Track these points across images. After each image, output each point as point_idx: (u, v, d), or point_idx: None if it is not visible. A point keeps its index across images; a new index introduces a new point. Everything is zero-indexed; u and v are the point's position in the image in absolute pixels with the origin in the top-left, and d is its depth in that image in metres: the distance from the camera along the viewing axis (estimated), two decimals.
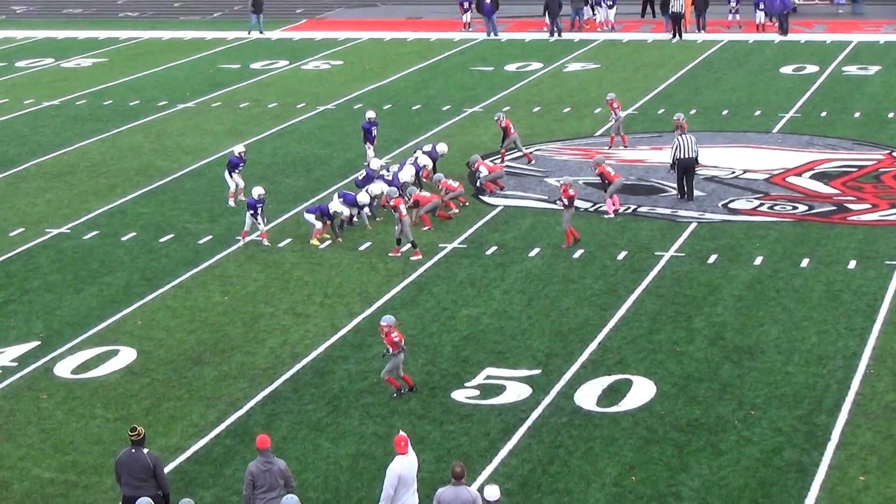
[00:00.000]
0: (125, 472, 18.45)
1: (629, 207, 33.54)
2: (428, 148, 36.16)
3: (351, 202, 32.20)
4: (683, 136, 33.77)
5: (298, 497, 17.24)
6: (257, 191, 31.43)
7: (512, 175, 36.76)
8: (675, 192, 34.42)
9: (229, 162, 35.00)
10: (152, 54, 57.95)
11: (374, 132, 37.41)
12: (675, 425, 22.03)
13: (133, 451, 18.51)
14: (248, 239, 31.66)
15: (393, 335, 22.98)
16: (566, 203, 30.69)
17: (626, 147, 39.03)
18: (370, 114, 37.76)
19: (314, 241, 31.51)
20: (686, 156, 33.57)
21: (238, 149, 35.23)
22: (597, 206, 33.69)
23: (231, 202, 34.85)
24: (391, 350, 23.05)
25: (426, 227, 32.33)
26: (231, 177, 34.83)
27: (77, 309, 28.39)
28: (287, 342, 26.14)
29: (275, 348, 25.87)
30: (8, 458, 21.84)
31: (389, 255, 30.58)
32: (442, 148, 36.23)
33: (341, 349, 25.69)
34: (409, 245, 30.56)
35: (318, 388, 24.06)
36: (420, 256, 30.27)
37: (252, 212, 31.29)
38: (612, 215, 32.68)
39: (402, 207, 30.28)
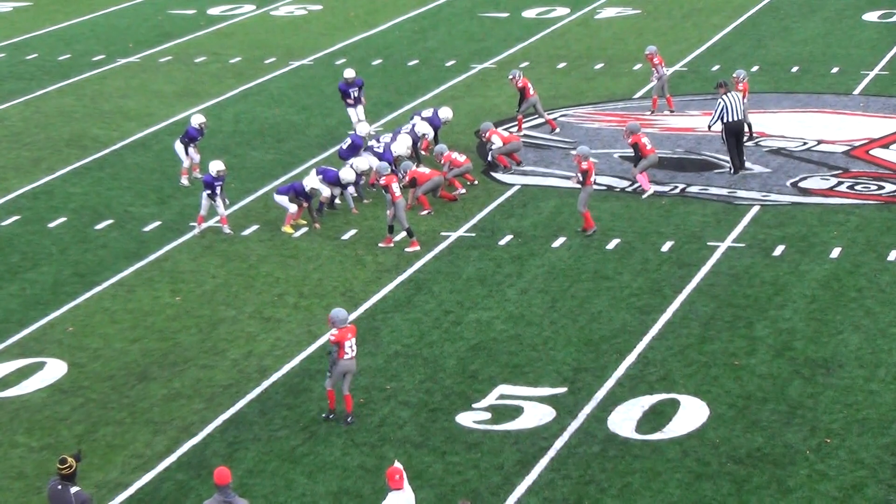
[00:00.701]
0: None
1: (676, 187, 33.60)
2: (428, 113, 36.24)
3: (332, 180, 32.26)
4: (729, 94, 34.23)
5: None
6: (216, 166, 31.48)
7: (531, 147, 36.83)
8: (730, 167, 34.51)
9: (186, 133, 35.10)
10: None
11: (356, 94, 37.38)
12: (732, 456, 22.10)
13: (59, 487, 18.55)
14: (204, 226, 31.74)
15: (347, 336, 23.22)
16: (581, 179, 30.79)
17: (672, 111, 39.09)
18: (348, 73, 37.76)
19: (287, 228, 31.57)
20: (736, 118, 33.98)
21: (198, 119, 35.31)
22: (635, 185, 33.75)
23: (184, 180, 34.95)
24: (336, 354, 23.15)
25: (425, 211, 32.39)
26: (186, 150, 34.93)
27: None
28: (253, 353, 26.21)
29: (238, 361, 25.94)
30: None
31: (380, 245, 30.64)
32: (445, 113, 36.31)
33: (320, 362, 25.76)
34: (403, 234, 30.61)
35: (291, 409, 24.12)
36: (417, 248, 30.34)
37: (209, 192, 31.34)
38: (650, 190, 32.82)
39: (395, 187, 30.31)
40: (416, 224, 31.60)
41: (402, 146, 33.98)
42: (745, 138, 35.27)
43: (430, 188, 32.71)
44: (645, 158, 33.20)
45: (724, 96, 34.21)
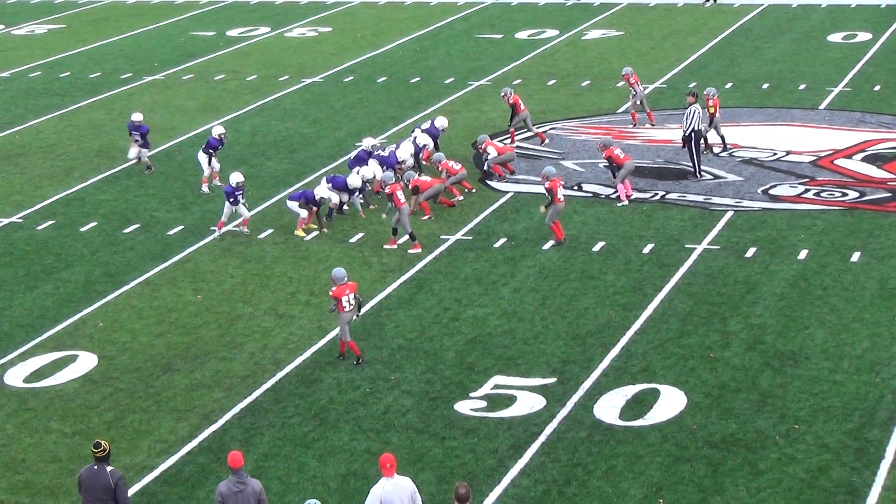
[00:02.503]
0: (86, 490, 18.54)
1: (656, 194, 33.55)
2: (426, 125, 36.19)
3: (340, 186, 32.22)
4: (694, 105, 34.49)
5: None
6: (235, 177, 31.44)
7: (523, 157, 36.78)
8: (710, 177, 34.46)
9: (207, 143, 35.07)
10: (115, 20, 57.97)
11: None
12: (708, 441, 22.05)
13: (95, 467, 18.58)
14: (224, 229, 31.69)
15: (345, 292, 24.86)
16: (549, 197, 30.27)
17: (652, 125, 39.06)
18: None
19: (299, 232, 31.52)
20: (700, 127, 34.38)
21: (217, 130, 35.28)
22: (616, 193, 33.68)
23: (205, 188, 34.90)
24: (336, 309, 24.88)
25: (426, 216, 32.35)
26: (209, 160, 34.90)
27: (30, 309, 28.42)
28: (268, 347, 26.16)
29: (254, 353, 25.89)
30: None
31: (385, 247, 30.60)
32: (441, 122, 36.25)
33: (330, 354, 25.72)
34: (406, 237, 30.57)
35: (303, 398, 24.08)
36: (419, 250, 30.29)
37: (231, 200, 31.34)
38: (626, 201, 32.76)
39: (400, 194, 30.31)
40: (418, 228, 31.57)
41: (405, 152, 33.97)
42: (720, 150, 35.39)
43: (431, 195, 32.67)
44: (622, 167, 33.15)
45: (695, 105, 34.31)
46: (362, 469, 21.54)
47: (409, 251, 30.30)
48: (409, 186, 32.23)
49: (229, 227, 31.80)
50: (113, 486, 18.45)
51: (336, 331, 26.38)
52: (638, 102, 39.02)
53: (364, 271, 29.47)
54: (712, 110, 35.59)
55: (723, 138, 36.04)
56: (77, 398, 24.40)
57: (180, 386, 24.68)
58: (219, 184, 34.45)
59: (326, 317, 27.22)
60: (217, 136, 35.10)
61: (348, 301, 24.93)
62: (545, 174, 30.30)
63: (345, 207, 32.59)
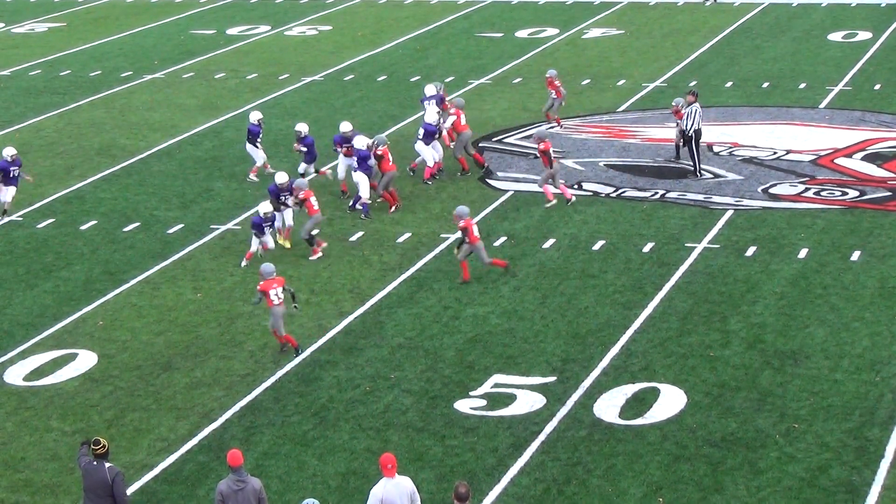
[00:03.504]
0: (86, 484, 18.61)
1: (656, 193, 33.55)
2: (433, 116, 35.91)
3: (273, 192, 31.14)
4: (694, 104, 34.44)
5: None
6: (263, 208, 30.09)
7: (523, 157, 36.78)
8: (710, 176, 34.48)
9: (248, 132, 35.17)
10: (115, 18, 57.97)
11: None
12: (708, 440, 22.06)
13: (94, 462, 18.62)
14: (252, 259, 30.29)
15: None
16: (463, 237, 28.83)
17: (559, 126, 39.11)
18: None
19: (283, 242, 31.12)
20: (699, 127, 34.32)
21: (255, 115, 35.48)
22: (619, 191, 33.73)
23: (253, 176, 34.87)
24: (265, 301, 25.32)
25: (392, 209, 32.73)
26: (256, 147, 35.03)
27: (30, 307, 28.43)
28: (268, 345, 26.17)
29: (254, 352, 25.90)
30: None
31: (310, 258, 30.18)
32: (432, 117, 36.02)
33: (330, 353, 25.73)
34: (331, 244, 30.49)
35: (303, 397, 24.09)
36: (319, 255, 30.07)
37: (256, 231, 29.96)
38: (553, 201, 32.69)
39: (314, 201, 30.12)
40: (417, 226, 31.62)
41: (431, 115, 34.78)
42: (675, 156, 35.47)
43: (387, 182, 32.79)
44: (548, 168, 32.85)
45: (695, 104, 34.30)
46: (362, 468, 21.55)
47: (310, 257, 30.06)
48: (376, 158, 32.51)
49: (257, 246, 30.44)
50: (110, 482, 18.48)
51: (335, 330, 26.43)
52: (553, 105, 38.79)
53: (364, 270, 29.48)
54: (677, 119, 35.26)
55: (677, 147, 35.66)
56: (77, 396, 24.41)
57: (180, 384, 24.69)
58: (272, 171, 34.45)
59: (326, 315, 27.24)
60: (256, 122, 35.25)
61: (276, 294, 25.32)
62: (458, 214, 28.45)
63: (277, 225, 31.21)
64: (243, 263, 30.00)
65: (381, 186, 32.84)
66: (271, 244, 30.33)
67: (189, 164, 37.01)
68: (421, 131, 34.91)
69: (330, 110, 41.99)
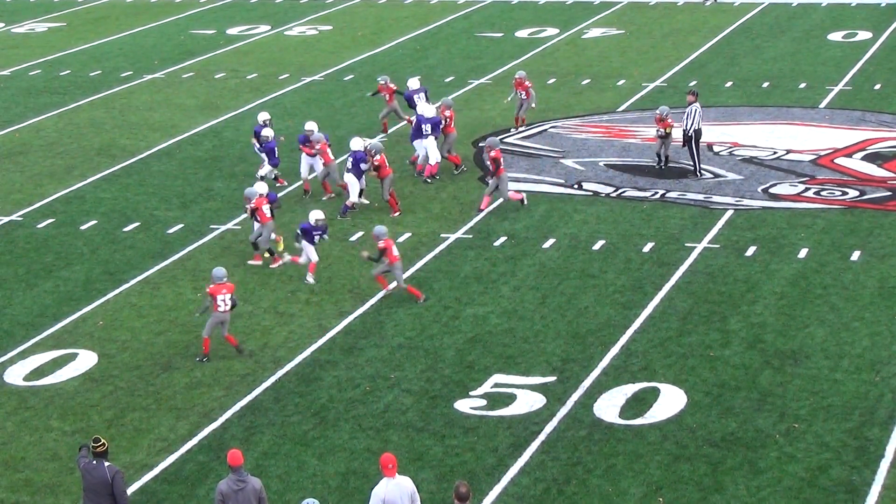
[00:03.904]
0: (86, 483, 18.61)
1: (656, 192, 33.55)
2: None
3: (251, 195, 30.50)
4: (694, 104, 34.41)
5: None
6: (314, 215, 29.28)
7: (524, 157, 36.78)
8: (710, 176, 34.50)
9: (254, 133, 35.23)
10: (115, 18, 57.96)
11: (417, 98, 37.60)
12: (708, 440, 22.06)
13: (94, 462, 18.62)
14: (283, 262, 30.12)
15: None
16: (378, 256, 28.35)
17: (517, 129, 38.84)
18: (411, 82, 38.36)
19: (279, 248, 30.64)
20: (699, 126, 34.29)
21: (262, 116, 35.54)
22: (619, 191, 33.74)
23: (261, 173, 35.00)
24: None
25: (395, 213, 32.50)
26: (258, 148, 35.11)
27: (30, 307, 28.43)
28: (268, 345, 26.17)
29: (255, 352, 25.90)
30: None
31: (271, 266, 29.86)
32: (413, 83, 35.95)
33: (330, 353, 25.73)
34: (280, 253, 30.19)
35: (303, 397, 24.09)
36: (259, 262, 29.70)
37: (307, 239, 29.13)
38: (484, 210, 32.46)
39: (266, 209, 29.68)
40: (417, 226, 31.62)
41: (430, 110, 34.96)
42: (662, 163, 35.31)
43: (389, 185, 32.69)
44: (497, 178, 32.27)
45: (696, 104, 34.32)
46: (362, 467, 21.55)
47: (271, 265, 29.75)
48: (374, 164, 32.38)
49: (286, 259, 29.92)
50: (110, 480, 18.49)
51: (335, 330, 26.45)
52: (522, 106, 38.66)
53: (364, 270, 29.47)
54: (665, 130, 34.93)
55: (666, 158, 35.32)
56: (77, 396, 24.41)
57: (180, 384, 24.69)
58: (276, 172, 34.50)
59: (326, 315, 27.25)
60: (262, 122, 35.21)
61: (223, 300, 25.33)
62: (376, 234, 27.84)
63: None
64: (310, 279, 28.90)
65: (385, 191, 32.69)
66: (312, 257, 29.21)
67: (189, 164, 37.01)
68: (429, 127, 34.80)
69: (330, 110, 42.00)
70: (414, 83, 37.69)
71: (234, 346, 25.67)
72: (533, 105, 38.70)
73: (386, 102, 39.07)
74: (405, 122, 38.72)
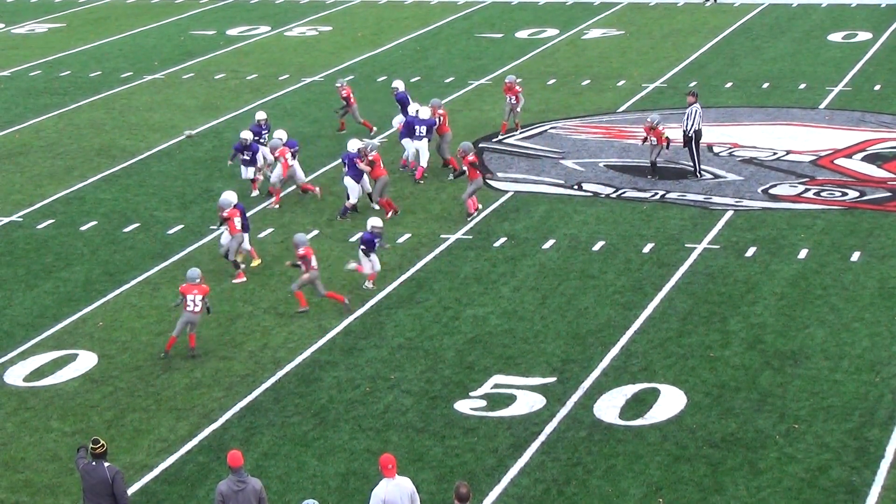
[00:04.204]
0: (85, 484, 18.61)
1: (656, 193, 33.54)
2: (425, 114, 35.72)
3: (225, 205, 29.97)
4: (695, 105, 34.40)
5: None
6: (372, 222, 28.70)
7: (525, 157, 36.79)
8: (710, 177, 34.51)
9: (254, 131, 35.10)
10: (115, 18, 57.96)
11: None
12: (707, 440, 22.06)
13: (93, 463, 18.62)
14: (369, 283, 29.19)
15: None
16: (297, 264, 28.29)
17: (503, 135, 38.37)
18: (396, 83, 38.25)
19: (251, 263, 30.12)
20: (699, 127, 34.27)
21: (259, 115, 35.56)
22: (619, 191, 33.74)
23: (259, 175, 34.86)
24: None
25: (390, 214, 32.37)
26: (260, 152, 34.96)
27: (30, 308, 28.43)
28: (268, 346, 26.17)
29: (254, 352, 25.90)
30: None
31: (233, 281, 29.26)
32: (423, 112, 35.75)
33: (329, 354, 25.73)
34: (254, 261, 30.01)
35: (303, 397, 24.08)
36: (244, 279, 29.20)
37: (364, 247, 28.54)
38: (474, 213, 32.24)
39: (237, 221, 29.26)
40: (417, 226, 31.62)
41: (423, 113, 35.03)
42: (651, 173, 34.96)
43: (382, 187, 32.58)
44: (472, 182, 32.01)
45: (695, 105, 34.33)
46: (362, 468, 21.54)
47: (234, 280, 29.25)
48: (368, 160, 32.17)
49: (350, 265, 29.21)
50: (110, 480, 18.50)
51: (335, 331, 26.46)
52: (508, 110, 38.25)
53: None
54: (656, 139, 34.37)
55: (653, 167, 34.81)
56: (77, 397, 24.40)
57: (180, 385, 24.69)
58: (269, 174, 34.47)
59: (326, 316, 27.24)
60: (257, 123, 35.10)
61: (193, 300, 25.45)
62: (296, 242, 27.55)
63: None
64: (368, 285, 28.44)
65: (377, 193, 32.71)
66: (373, 267, 28.52)
67: (189, 165, 37.00)
68: (423, 129, 34.82)
69: (330, 111, 41.97)
70: (401, 84, 37.64)
71: (191, 347, 25.66)
72: (518, 110, 38.26)
73: (348, 104, 38.92)
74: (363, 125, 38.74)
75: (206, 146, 38.99)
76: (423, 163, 35.00)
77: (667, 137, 34.57)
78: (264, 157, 34.69)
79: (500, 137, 38.27)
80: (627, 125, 39.35)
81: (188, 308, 25.56)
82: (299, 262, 27.38)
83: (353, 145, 33.05)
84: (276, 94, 44.51)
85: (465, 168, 32.45)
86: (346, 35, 53.14)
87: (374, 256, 28.54)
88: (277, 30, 54.56)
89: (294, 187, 34.67)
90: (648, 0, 57.52)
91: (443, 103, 36.43)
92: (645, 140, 34.97)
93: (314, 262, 27.45)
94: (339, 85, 39.31)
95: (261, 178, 34.58)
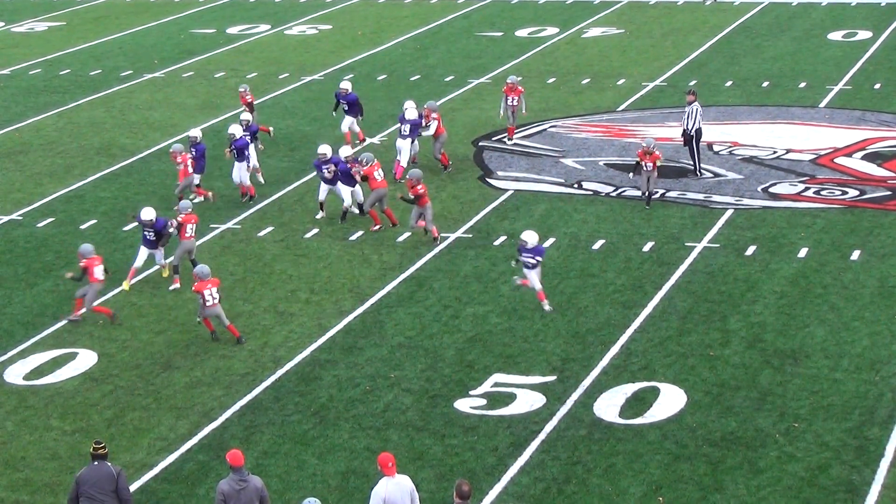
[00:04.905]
0: (88, 486, 18.56)
1: (657, 192, 33.52)
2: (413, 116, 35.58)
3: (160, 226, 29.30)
4: (695, 104, 34.38)
5: None
6: (528, 236, 26.71)
7: (523, 156, 36.80)
8: (710, 175, 34.52)
9: (253, 132, 35.06)
10: (115, 17, 57.97)
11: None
12: (707, 439, 22.06)
13: (96, 463, 18.64)
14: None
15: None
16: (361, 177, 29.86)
17: (511, 139, 37.97)
18: (344, 84, 37.98)
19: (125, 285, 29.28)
20: (698, 126, 34.31)
21: (245, 117, 35.21)
22: (619, 190, 33.75)
23: (258, 177, 34.80)
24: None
25: (376, 227, 31.62)
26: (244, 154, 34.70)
27: (30, 306, 28.43)
28: (268, 344, 26.17)
29: (254, 351, 25.90)
30: None
31: (170, 288, 29.10)
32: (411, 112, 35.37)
33: (329, 352, 25.73)
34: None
35: (303, 396, 24.09)
36: (178, 285, 28.98)
37: (527, 266, 26.66)
38: (437, 237, 30.70)
39: (190, 227, 29.04)
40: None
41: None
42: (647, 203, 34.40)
43: (375, 199, 31.68)
44: (424, 207, 30.33)
45: (695, 103, 34.35)
46: (362, 467, 21.55)
47: (170, 287, 29.07)
48: (361, 173, 31.54)
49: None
50: (115, 476, 18.53)
51: (335, 329, 26.47)
52: (510, 113, 37.48)
53: (364, 269, 29.49)
54: (651, 165, 32.34)
55: (649, 195, 32.75)
56: (77, 396, 24.41)
57: (180, 383, 24.70)
58: (261, 180, 34.45)
59: (326, 315, 27.25)
60: (239, 123, 34.86)
61: (211, 294, 25.81)
62: (80, 252, 26.88)
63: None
64: (546, 307, 26.89)
65: (368, 204, 31.82)
66: (534, 284, 26.89)
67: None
68: (407, 127, 34.84)
69: (330, 109, 41.97)
70: (348, 85, 37.54)
71: (237, 337, 26.05)
72: (524, 112, 37.94)
73: (250, 109, 37.84)
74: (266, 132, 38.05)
75: (206, 145, 38.89)
76: (404, 162, 34.89)
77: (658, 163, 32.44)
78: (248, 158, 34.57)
79: (511, 141, 37.84)
80: (627, 124, 39.36)
81: (209, 303, 25.73)
82: (80, 274, 26.85)
83: (343, 152, 32.54)
84: (276, 92, 44.51)
85: (412, 196, 30.28)
86: (345, 34, 53.15)
87: (533, 273, 26.85)
88: (277, 28, 54.56)
89: (293, 186, 34.70)
90: None
91: (438, 105, 36.29)
92: (637, 167, 32.57)
93: (98, 275, 26.83)
94: (242, 90, 38.40)
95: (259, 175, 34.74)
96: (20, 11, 60.24)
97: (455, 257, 30.02)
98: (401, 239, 30.89)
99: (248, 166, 33.93)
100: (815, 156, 35.96)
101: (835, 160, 35.58)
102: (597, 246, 30.31)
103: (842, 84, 42.85)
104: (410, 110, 35.29)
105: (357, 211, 32.52)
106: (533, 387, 24.00)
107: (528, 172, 35.48)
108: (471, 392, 23.94)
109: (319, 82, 45.66)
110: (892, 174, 34.29)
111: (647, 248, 30.11)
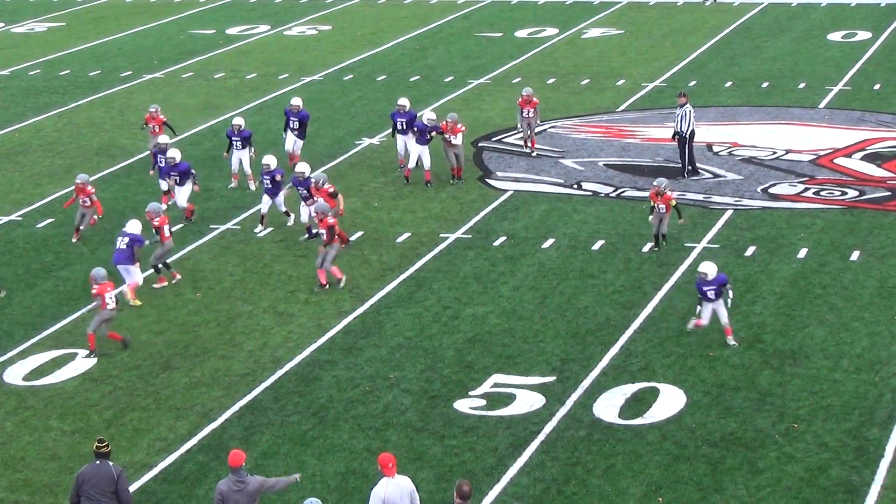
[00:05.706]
0: (87, 486, 18.57)
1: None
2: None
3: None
4: (687, 106, 34.36)
5: None
6: (706, 266, 25.14)
7: (522, 156, 36.80)
8: (709, 176, 34.52)
9: (241, 136, 34.88)
10: (115, 18, 57.97)
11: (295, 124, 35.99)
12: (707, 440, 22.06)
13: (98, 463, 18.65)
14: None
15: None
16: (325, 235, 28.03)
17: (532, 150, 37.05)
18: (295, 101, 36.46)
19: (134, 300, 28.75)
20: (691, 129, 34.29)
21: (238, 120, 35.00)
22: (619, 191, 33.75)
23: (234, 182, 34.64)
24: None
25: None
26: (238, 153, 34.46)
27: (29, 307, 28.42)
28: (268, 345, 26.17)
29: (254, 352, 25.90)
30: None
31: (154, 286, 29.05)
32: (429, 115, 35.25)
33: (329, 353, 25.73)
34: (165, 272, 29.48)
35: (302, 396, 24.09)
36: (164, 283, 28.99)
37: (705, 298, 25.13)
38: (341, 278, 28.68)
39: (167, 229, 28.99)
40: (417, 225, 31.62)
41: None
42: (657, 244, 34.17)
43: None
44: (330, 245, 28.10)
45: (687, 106, 34.33)
46: (361, 467, 21.55)
47: (154, 285, 28.99)
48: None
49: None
50: (116, 476, 18.53)
51: (335, 330, 26.47)
52: (525, 125, 36.77)
53: (363, 269, 29.48)
54: (665, 207, 30.20)
55: (663, 237, 31.31)
56: (76, 396, 24.41)
57: (180, 384, 24.69)
58: (251, 182, 34.40)
59: (326, 315, 27.25)
60: (233, 128, 34.73)
61: (110, 298, 25.73)
62: (93, 276, 26.09)
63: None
64: (731, 341, 25.23)
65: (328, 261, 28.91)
66: (721, 317, 25.10)
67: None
68: (402, 122, 34.83)
69: (329, 110, 42.01)
70: (299, 101, 36.31)
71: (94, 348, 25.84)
72: (538, 122, 37.37)
73: (151, 134, 36.58)
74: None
75: (206, 145, 38.99)
76: (412, 163, 34.82)
77: (676, 205, 29.97)
78: (240, 159, 34.49)
79: (533, 153, 36.92)
80: (627, 124, 39.36)
81: (108, 307, 25.71)
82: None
83: (301, 168, 31.21)
84: (276, 93, 44.51)
85: (322, 231, 28.70)
86: (345, 34, 53.16)
87: (717, 305, 25.11)
88: (277, 29, 54.57)
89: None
90: None
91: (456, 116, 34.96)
92: (652, 210, 29.87)
93: (107, 300, 25.92)
94: (153, 110, 36.84)
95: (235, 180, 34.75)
96: (20, 12, 60.25)
97: (455, 258, 30.02)
98: (400, 240, 30.90)
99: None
100: (814, 156, 35.96)
101: (834, 161, 35.58)
102: (596, 246, 30.31)
103: (841, 84, 42.85)
104: (428, 116, 34.77)
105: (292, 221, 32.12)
106: (532, 387, 24.00)
107: (527, 173, 35.47)
108: (470, 392, 23.94)
109: (319, 83, 45.66)
110: (892, 175, 34.29)
111: (646, 248, 30.10)
